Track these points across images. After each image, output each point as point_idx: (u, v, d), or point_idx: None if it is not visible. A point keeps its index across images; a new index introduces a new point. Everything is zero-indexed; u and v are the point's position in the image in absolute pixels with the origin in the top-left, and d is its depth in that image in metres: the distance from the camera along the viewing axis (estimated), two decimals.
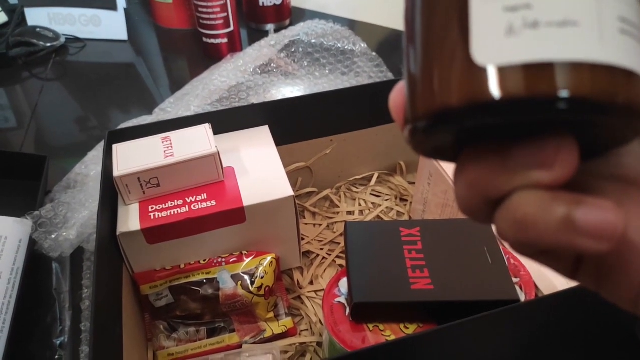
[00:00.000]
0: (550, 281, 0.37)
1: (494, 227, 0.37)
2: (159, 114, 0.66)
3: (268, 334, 0.43)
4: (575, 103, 0.12)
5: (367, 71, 0.72)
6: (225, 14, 0.78)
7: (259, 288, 0.42)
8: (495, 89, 0.13)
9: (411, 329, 0.34)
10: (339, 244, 0.53)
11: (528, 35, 0.13)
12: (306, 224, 0.55)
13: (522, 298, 0.35)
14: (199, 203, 0.41)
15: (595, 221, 0.13)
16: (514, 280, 0.36)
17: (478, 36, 0.13)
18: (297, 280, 0.49)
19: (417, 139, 0.15)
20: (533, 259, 0.16)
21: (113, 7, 0.88)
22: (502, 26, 0.13)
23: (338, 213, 0.56)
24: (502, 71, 0.13)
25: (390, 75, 0.73)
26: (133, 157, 0.40)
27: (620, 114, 0.13)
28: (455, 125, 0.14)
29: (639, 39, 0.13)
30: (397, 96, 0.16)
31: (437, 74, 0.14)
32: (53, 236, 0.49)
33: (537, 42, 0.12)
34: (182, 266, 0.42)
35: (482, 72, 0.13)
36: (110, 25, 0.90)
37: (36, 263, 0.50)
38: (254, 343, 0.43)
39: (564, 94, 0.12)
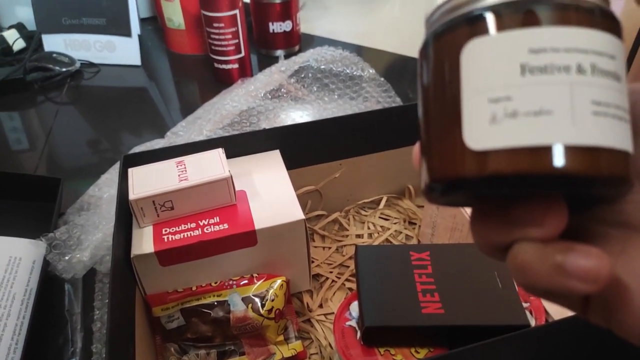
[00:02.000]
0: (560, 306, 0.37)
1: None
2: (171, 138, 0.67)
3: (278, 357, 0.44)
4: (546, 180, 0.14)
5: (375, 96, 0.73)
6: (237, 41, 0.80)
7: (269, 311, 0.42)
8: (477, 169, 0.15)
9: (422, 353, 0.34)
10: (348, 267, 0.53)
11: (508, 123, 0.14)
12: (315, 247, 0.55)
13: (533, 323, 0.35)
14: (212, 226, 0.41)
15: (581, 266, 0.14)
16: (524, 305, 0.36)
17: (468, 124, 0.15)
18: (307, 303, 0.49)
19: (429, 196, 0.18)
20: (544, 298, 0.18)
21: (127, 33, 0.91)
22: (487, 116, 0.15)
23: (347, 236, 0.56)
24: (485, 155, 0.15)
25: (398, 100, 0.74)
26: (148, 180, 0.41)
27: (595, 186, 0.15)
28: (445, 193, 0.16)
29: (616, 117, 0.15)
30: (418, 152, 0.19)
31: (439, 152, 0.16)
32: (67, 258, 0.49)
33: (515, 130, 0.14)
34: (194, 288, 0.43)
35: (471, 154, 0.15)
36: (124, 51, 0.92)
37: (49, 284, 0.51)
38: None
39: (538, 172, 0.14)
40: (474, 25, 0.15)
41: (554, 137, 0.14)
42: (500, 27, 0.15)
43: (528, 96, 0.14)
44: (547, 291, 0.15)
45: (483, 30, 0.15)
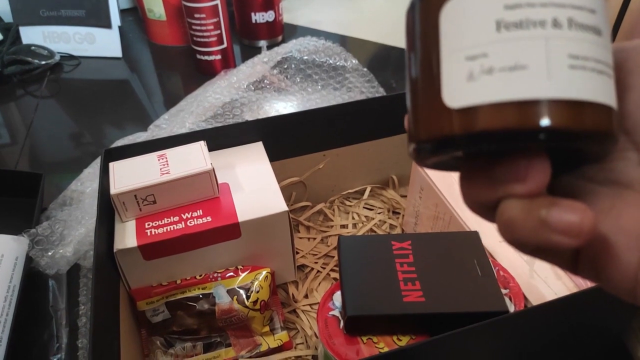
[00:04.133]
0: (539, 292, 0.38)
1: (482, 240, 0.38)
2: (154, 130, 0.67)
3: (264, 348, 0.44)
4: (522, 133, 0.14)
5: (358, 86, 0.73)
6: (219, 31, 0.79)
7: (255, 302, 0.42)
8: (456, 126, 0.15)
9: (404, 341, 0.35)
10: (333, 257, 0.53)
11: (484, 80, 0.15)
12: (300, 237, 0.55)
13: (512, 309, 0.36)
14: (195, 219, 0.41)
15: (565, 220, 0.15)
16: (504, 291, 0.37)
17: (447, 83, 0.15)
18: (292, 294, 0.49)
19: (415, 157, 0.18)
20: (533, 255, 0.18)
21: (107, 25, 0.89)
22: (464, 73, 0.15)
23: (332, 227, 0.57)
24: (462, 112, 0.15)
25: (381, 91, 0.74)
26: (129, 174, 0.41)
27: (573, 139, 0.15)
28: (430, 152, 0.16)
29: (596, 70, 0.15)
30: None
31: (422, 113, 0.16)
32: (50, 253, 0.49)
33: (490, 86, 0.14)
34: (178, 282, 0.43)
35: (450, 113, 0.15)
36: (104, 43, 0.91)
37: (33, 280, 0.50)
38: (250, 357, 0.44)
39: (513, 127, 0.14)
40: None
41: (528, 91, 0.14)
42: None
43: (503, 52, 0.14)
44: (533, 247, 0.16)
45: None
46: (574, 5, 0.15)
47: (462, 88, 0.15)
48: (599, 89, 0.15)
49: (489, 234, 0.41)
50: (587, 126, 0.14)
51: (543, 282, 0.38)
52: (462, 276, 0.36)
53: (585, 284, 0.38)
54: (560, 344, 0.39)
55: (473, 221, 0.42)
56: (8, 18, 0.92)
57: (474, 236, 0.39)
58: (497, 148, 0.15)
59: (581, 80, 0.14)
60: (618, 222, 0.16)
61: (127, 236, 0.40)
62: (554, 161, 0.18)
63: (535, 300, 0.37)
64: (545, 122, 0.14)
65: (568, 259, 0.18)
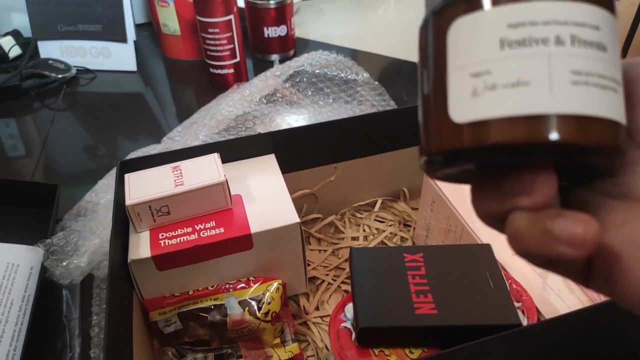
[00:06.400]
0: (552, 305, 0.37)
1: (495, 252, 0.38)
2: (167, 143, 0.68)
3: (275, 359, 0.44)
4: (522, 148, 0.15)
5: (369, 100, 0.74)
6: (232, 46, 0.80)
7: (266, 314, 0.42)
8: (459, 140, 0.16)
9: (416, 354, 0.35)
10: (344, 269, 0.54)
11: (487, 96, 0.15)
12: (311, 249, 0.56)
13: (524, 322, 0.36)
14: (208, 230, 0.42)
15: (568, 231, 0.15)
16: (516, 304, 0.37)
17: (452, 99, 0.16)
18: (303, 306, 0.49)
19: (424, 169, 0.18)
20: (544, 268, 0.19)
21: (123, 39, 0.91)
22: (468, 90, 0.15)
23: (343, 239, 0.57)
24: (467, 126, 0.15)
25: (392, 104, 0.74)
26: (144, 186, 0.42)
27: (575, 154, 0.15)
28: (441, 164, 0.17)
29: (600, 85, 0.15)
30: None
31: (430, 126, 0.17)
32: (64, 263, 0.50)
33: (493, 102, 0.15)
34: (191, 292, 0.43)
35: (455, 127, 0.16)
36: (120, 57, 0.93)
37: (47, 290, 0.51)
38: None
39: (513, 141, 0.15)
40: (456, 6, 0.16)
41: (530, 107, 0.15)
42: (480, 5, 0.16)
43: (506, 69, 0.15)
44: (540, 257, 0.16)
45: (465, 10, 0.16)
46: (577, 23, 0.15)
47: (466, 104, 0.15)
48: (603, 104, 0.15)
49: (502, 247, 0.41)
50: (591, 141, 0.15)
51: (556, 295, 0.38)
52: (475, 289, 0.36)
53: (599, 298, 0.37)
54: (573, 358, 0.38)
55: (485, 234, 0.42)
56: (27, 33, 0.94)
57: (487, 249, 0.39)
58: (500, 161, 0.16)
59: (584, 96, 0.15)
60: (631, 235, 0.17)
61: (141, 247, 0.41)
62: (567, 175, 0.18)
63: (548, 314, 0.37)
64: (545, 136, 0.14)
65: (580, 272, 0.18)
